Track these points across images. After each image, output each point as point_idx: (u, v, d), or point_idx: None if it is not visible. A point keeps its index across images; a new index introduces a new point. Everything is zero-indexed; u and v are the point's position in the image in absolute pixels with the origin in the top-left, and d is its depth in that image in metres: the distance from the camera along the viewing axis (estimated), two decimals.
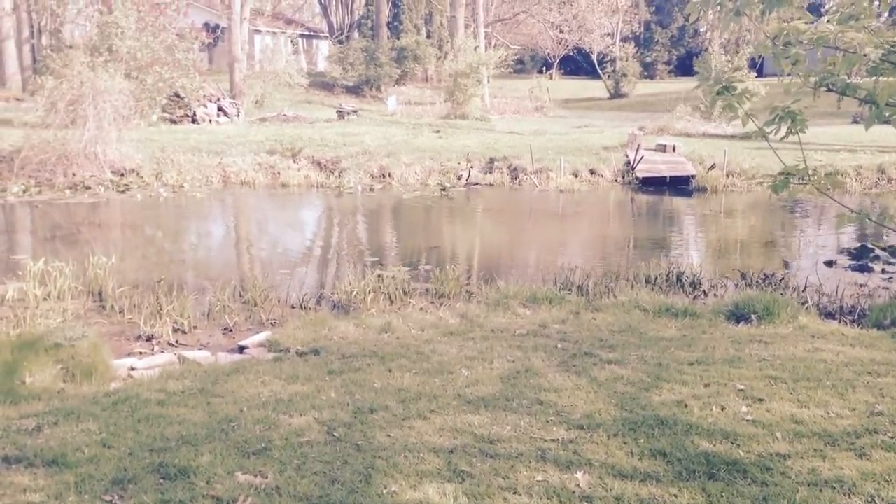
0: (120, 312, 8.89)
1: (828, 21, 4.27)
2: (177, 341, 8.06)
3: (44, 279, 9.43)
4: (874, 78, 4.03)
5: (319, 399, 5.46)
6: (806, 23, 4.17)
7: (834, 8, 4.55)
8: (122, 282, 9.89)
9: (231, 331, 8.46)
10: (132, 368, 6.97)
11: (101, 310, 9.12)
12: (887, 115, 3.92)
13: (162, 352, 7.68)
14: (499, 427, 4.89)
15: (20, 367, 6.10)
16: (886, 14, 4.50)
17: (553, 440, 4.69)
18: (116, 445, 4.69)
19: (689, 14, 4.54)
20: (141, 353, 7.68)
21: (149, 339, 8.09)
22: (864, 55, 3.96)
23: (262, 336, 7.81)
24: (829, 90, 4.15)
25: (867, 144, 21.59)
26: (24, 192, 17.50)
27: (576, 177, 20.16)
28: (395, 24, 44.95)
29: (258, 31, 44.59)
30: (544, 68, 51.19)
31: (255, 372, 6.23)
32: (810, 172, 4.24)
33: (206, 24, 38.91)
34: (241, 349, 7.57)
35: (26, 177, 18.07)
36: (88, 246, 12.64)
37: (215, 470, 4.30)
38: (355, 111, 31.31)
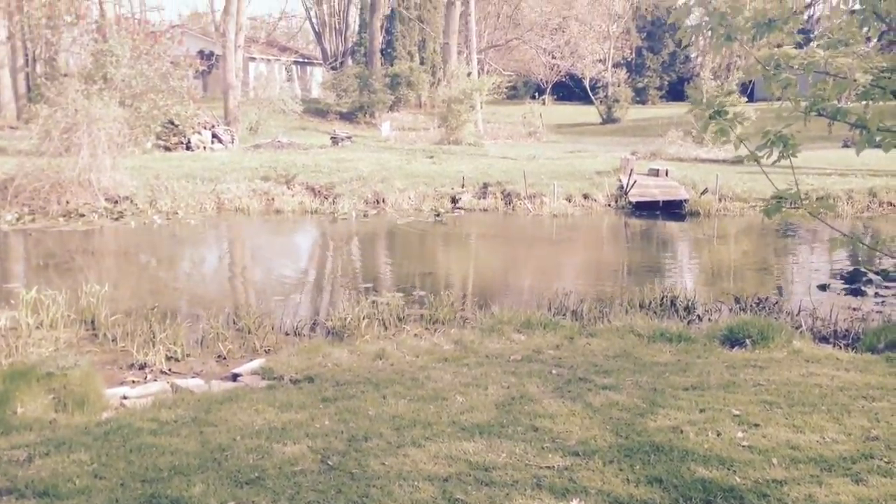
0: (113, 341, 8.84)
1: (817, 46, 4.31)
2: (170, 369, 8.01)
3: (36, 308, 9.38)
4: (864, 102, 4.07)
5: (313, 427, 5.42)
6: (796, 47, 4.21)
7: (823, 33, 4.59)
8: (115, 310, 9.83)
9: (225, 358, 8.41)
10: (124, 397, 6.92)
11: (93, 338, 9.07)
12: (878, 139, 3.95)
13: (155, 380, 7.63)
14: (494, 454, 4.85)
15: (12, 396, 6.04)
16: (875, 39, 4.54)
17: (548, 467, 4.65)
18: (108, 476, 4.64)
19: (681, 40, 4.58)
20: (133, 381, 7.63)
21: (142, 367, 8.04)
22: (854, 80, 3.99)
23: (256, 363, 7.76)
24: (820, 115, 4.17)
25: (858, 168, 21.72)
26: (18, 220, 17.46)
27: (569, 202, 20.22)
28: (389, 50, 45.29)
29: (252, 59, 44.87)
30: (537, 94, 51.45)
31: (248, 400, 6.19)
32: (802, 197, 4.26)
33: (201, 52, 39.11)
34: (235, 377, 7.52)
35: (20, 205, 18.02)
36: (82, 274, 12.61)
37: (208, 500, 4.26)
38: (349, 137, 31.40)
